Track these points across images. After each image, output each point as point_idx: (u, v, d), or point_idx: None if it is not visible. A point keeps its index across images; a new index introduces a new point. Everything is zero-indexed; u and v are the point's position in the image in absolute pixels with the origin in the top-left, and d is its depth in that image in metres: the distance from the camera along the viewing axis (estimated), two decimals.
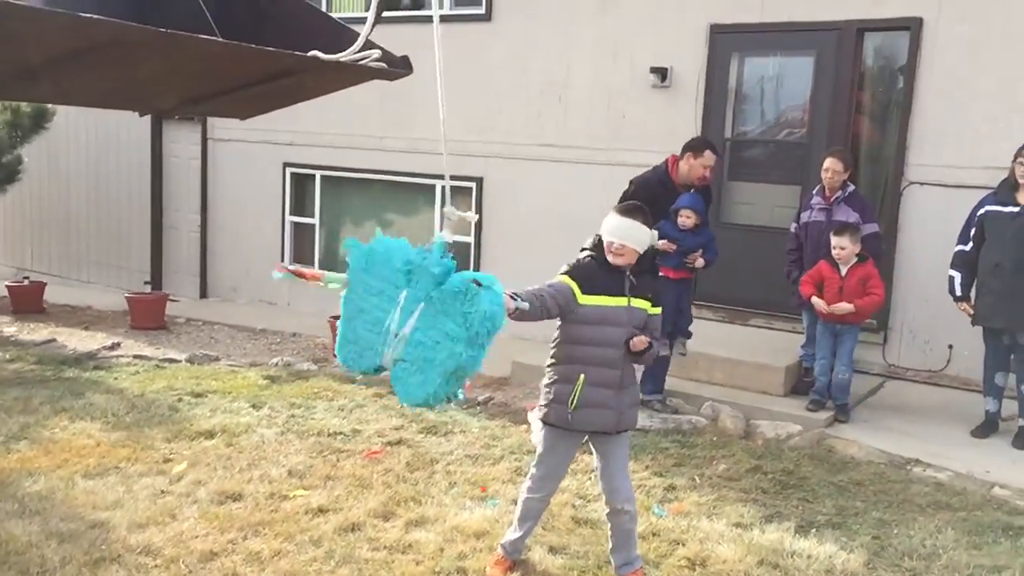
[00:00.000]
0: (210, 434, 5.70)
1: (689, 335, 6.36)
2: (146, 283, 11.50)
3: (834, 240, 6.10)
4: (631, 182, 6.19)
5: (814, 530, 4.48)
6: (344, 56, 3.03)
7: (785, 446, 5.75)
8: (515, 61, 8.72)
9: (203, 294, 11.36)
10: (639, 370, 4.07)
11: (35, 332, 8.99)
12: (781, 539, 4.34)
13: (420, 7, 9.62)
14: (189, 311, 10.30)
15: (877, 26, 7.20)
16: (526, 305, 3.35)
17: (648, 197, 5.27)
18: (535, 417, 3.94)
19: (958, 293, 6.03)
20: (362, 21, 3.21)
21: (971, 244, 5.95)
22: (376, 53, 3.11)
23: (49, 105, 10.13)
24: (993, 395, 6.02)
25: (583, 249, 3.83)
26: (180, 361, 7.84)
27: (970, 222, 5.97)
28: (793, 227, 6.63)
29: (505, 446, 5.61)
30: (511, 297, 3.26)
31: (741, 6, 7.63)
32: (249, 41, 2.78)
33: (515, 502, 4.14)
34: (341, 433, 5.80)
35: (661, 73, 7.95)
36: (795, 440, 5.85)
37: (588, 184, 8.14)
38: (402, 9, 9.57)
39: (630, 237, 3.71)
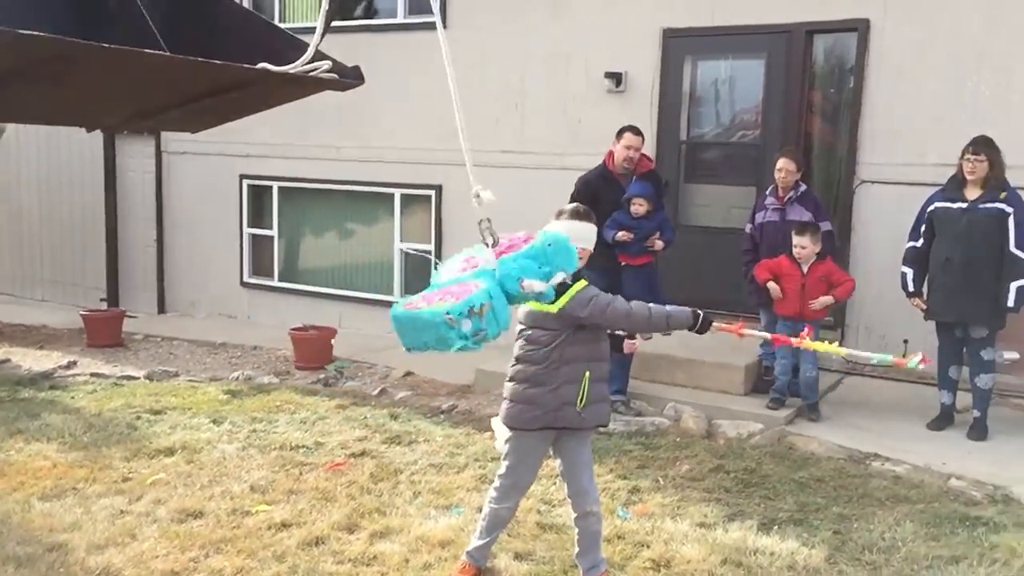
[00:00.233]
0: (170, 451, 5.62)
1: None
2: (102, 300, 11.33)
3: (795, 239, 6.17)
4: (576, 182, 6.48)
5: (776, 527, 4.52)
6: (294, 68, 3.02)
7: (747, 445, 5.81)
8: (471, 69, 8.73)
9: (161, 309, 11.22)
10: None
11: None
12: (744, 537, 4.38)
13: (372, 16, 9.61)
14: (147, 327, 10.16)
15: (826, 28, 7.33)
16: None
17: (591, 194, 6.04)
18: (499, 423, 3.94)
19: (910, 289, 6.13)
20: (313, 32, 3.20)
21: (921, 240, 6.05)
22: (326, 64, 3.10)
23: None
24: (947, 388, 6.13)
25: None
26: (138, 378, 7.73)
27: (920, 218, 6.08)
28: (748, 228, 6.71)
29: (469, 454, 5.61)
30: None
31: (693, 10, 7.72)
32: (197, 54, 2.76)
33: (480, 510, 4.13)
34: (304, 446, 5.76)
35: (616, 78, 8.01)
36: (756, 439, 5.91)
37: (547, 189, 8.14)
38: (353, 18, 9.54)
39: (590, 240, 3.80)
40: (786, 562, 4.14)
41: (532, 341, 3.73)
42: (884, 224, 7.01)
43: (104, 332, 9.31)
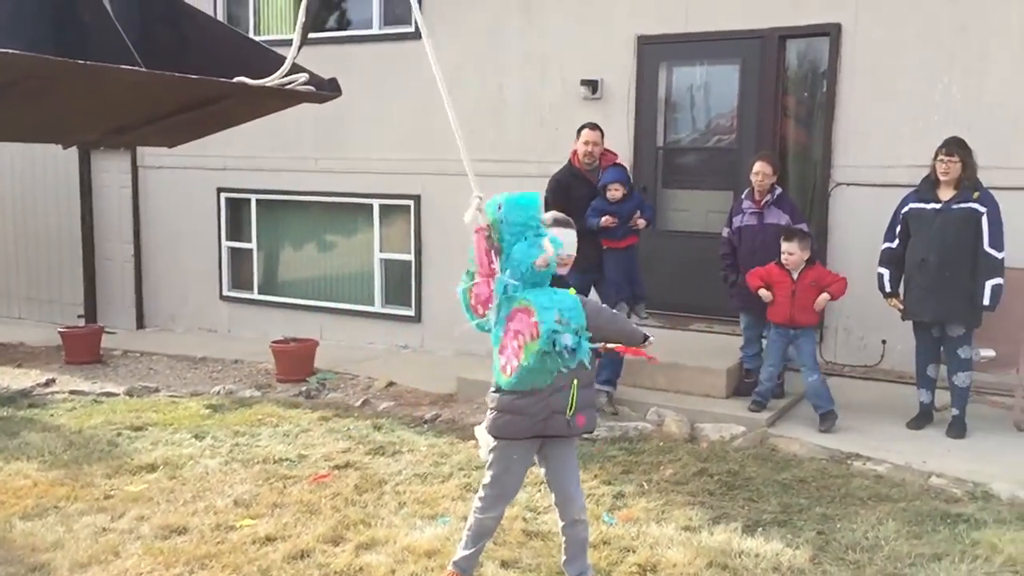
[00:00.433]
0: (152, 467, 5.58)
1: (645, 299, 6.74)
2: (80, 316, 11.24)
3: (784, 245, 6.21)
4: (549, 181, 6.65)
5: (760, 529, 4.55)
6: (270, 81, 3.02)
7: (730, 447, 5.84)
8: (447, 78, 8.73)
9: (140, 325, 11.14)
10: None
11: None
12: (729, 540, 4.40)
13: (347, 27, 9.60)
14: (126, 343, 10.08)
15: (798, 33, 7.41)
16: None
17: (563, 192, 6.44)
18: (482, 431, 3.93)
19: (887, 289, 6.19)
20: (290, 44, 3.20)
21: (897, 241, 6.12)
22: (303, 76, 3.11)
23: None
24: (926, 387, 6.19)
25: None
26: (118, 395, 7.67)
27: (895, 219, 6.14)
28: (726, 232, 6.75)
29: (454, 463, 5.60)
30: None
31: (666, 17, 7.78)
32: (173, 69, 2.76)
33: (466, 519, 4.12)
34: (287, 459, 5.73)
35: (592, 85, 8.05)
36: (739, 441, 5.94)
37: None
38: (329, 29, 9.53)
39: (573, 246, 3.85)
40: (771, 563, 4.16)
41: None
42: (860, 226, 7.08)
43: (82, 349, 9.23)
